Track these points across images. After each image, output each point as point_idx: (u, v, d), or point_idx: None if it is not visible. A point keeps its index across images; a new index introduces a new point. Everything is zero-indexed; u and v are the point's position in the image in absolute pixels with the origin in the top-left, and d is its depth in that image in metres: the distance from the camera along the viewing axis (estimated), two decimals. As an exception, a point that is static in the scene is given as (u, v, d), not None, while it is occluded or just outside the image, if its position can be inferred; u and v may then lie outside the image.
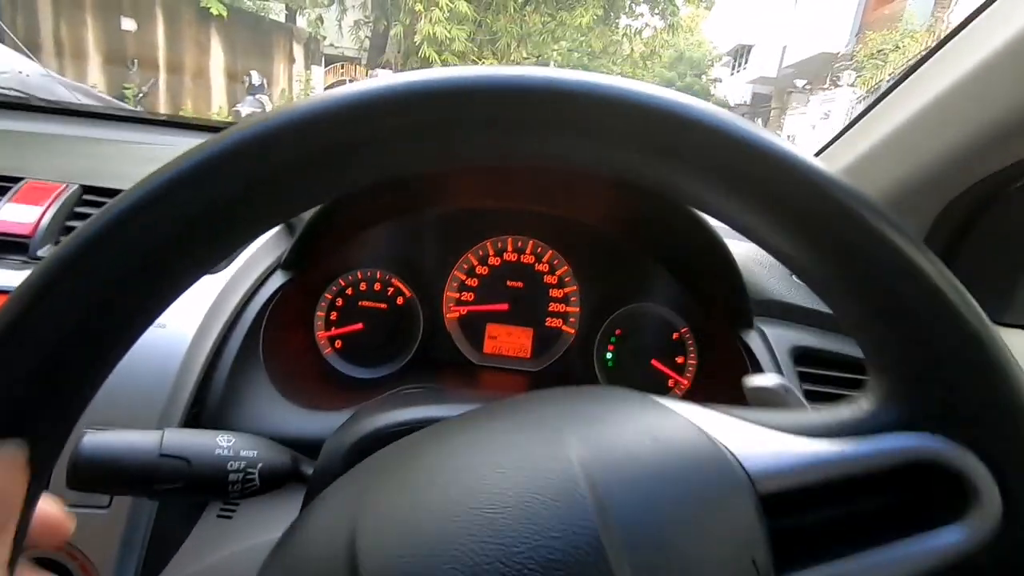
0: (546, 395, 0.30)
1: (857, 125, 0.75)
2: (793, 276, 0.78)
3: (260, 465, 0.42)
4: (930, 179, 0.65)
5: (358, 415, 0.47)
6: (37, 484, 0.20)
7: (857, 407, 0.27)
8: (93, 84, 5.76)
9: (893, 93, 0.68)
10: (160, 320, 0.54)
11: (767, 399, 0.33)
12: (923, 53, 0.66)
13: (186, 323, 0.58)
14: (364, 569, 0.21)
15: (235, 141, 0.22)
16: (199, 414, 0.58)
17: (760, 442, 0.25)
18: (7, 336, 0.19)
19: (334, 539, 0.23)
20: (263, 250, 0.69)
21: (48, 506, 0.24)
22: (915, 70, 0.65)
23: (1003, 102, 0.55)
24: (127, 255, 0.20)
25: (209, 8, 7.83)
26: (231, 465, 0.41)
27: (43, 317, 0.19)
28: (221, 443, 0.41)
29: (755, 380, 0.35)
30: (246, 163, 0.22)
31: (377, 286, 0.82)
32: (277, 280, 0.68)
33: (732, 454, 0.24)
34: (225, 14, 7.99)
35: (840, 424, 0.26)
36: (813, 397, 0.65)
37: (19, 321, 0.19)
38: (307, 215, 0.66)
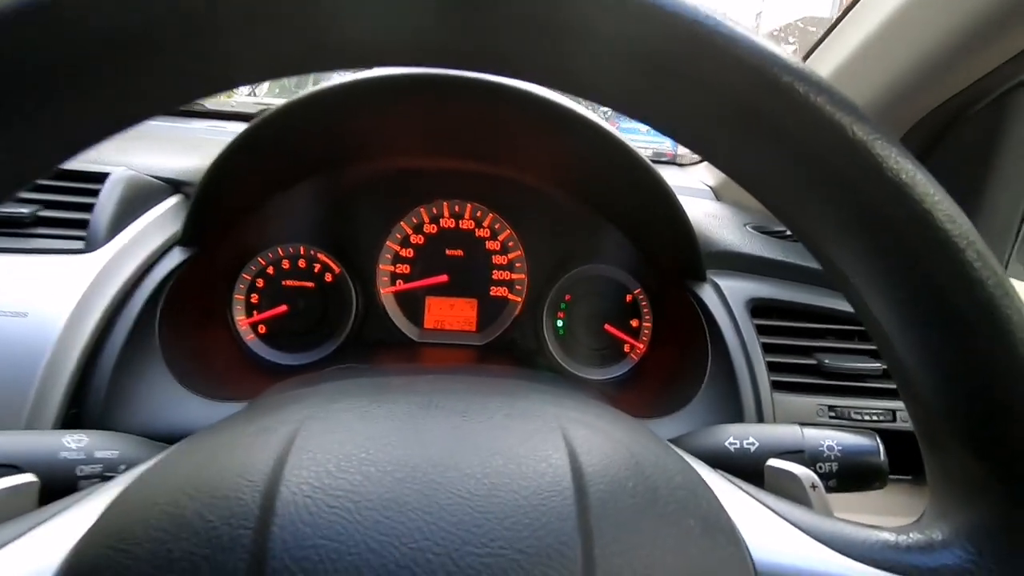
0: (563, 398, 0.28)
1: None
2: (748, 227, 0.74)
3: (122, 468, 0.35)
4: (882, 111, 0.61)
5: (271, 390, 0.41)
6: None
7: (896, 536, 0.23)
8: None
9: (845, 20, 0.63)
10: (19, 307, 0.44)
11: (787, 486, 0.32)
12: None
13: (54, 310, 0.49)
14: (277, 523, 0.18)
15: None
16: (79, 415, 0.50)
17: (778, 539, 0.23)
18: None
19: (250, 477, 0.20)
20: (155, 224, 0.60)
21: None
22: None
23: (946, 23, 0.51)
24: None
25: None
26: (81, 470, 0.33)
27: None
28: (68, 444, 0.34)
29: (779, 463, 0.34)
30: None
31: (302, 263, 0.74)
32: (175, 258, 0.60)
33: (743, 539, 0.23)
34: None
35: (873, 547, 0.23)
36: (772, 350, 0.61)
37: None
38: (200, 179, 0.58)
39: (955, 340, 0.20)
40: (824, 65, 0.64)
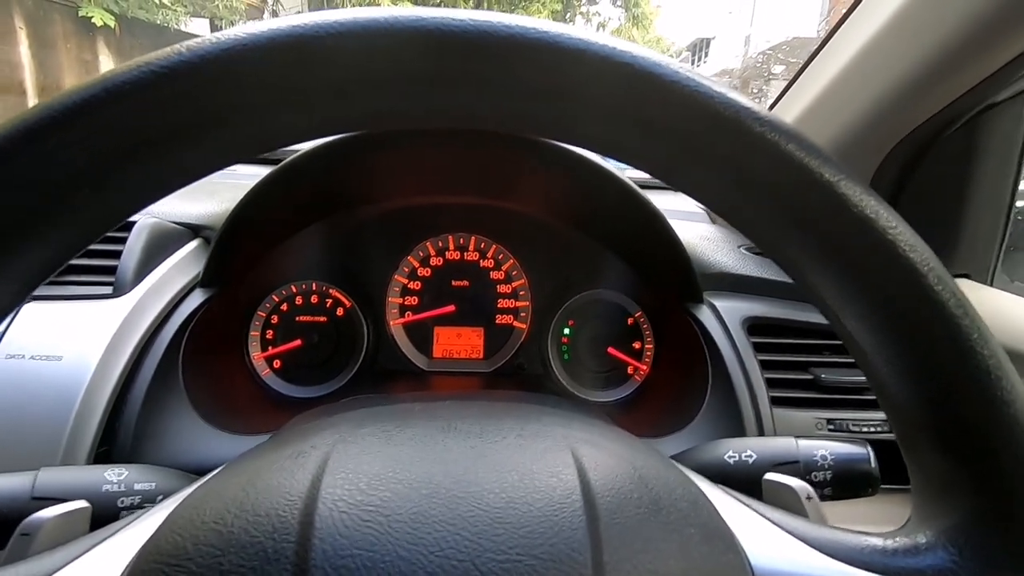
0: (570, 420, 0.30)
1: (790, 91, 0.74)
2: (742, 249, 0.77)
3: (160, 499, 0.37)
4: (862, 136, 0.64)
5: (296, 419, 0.43)
6: None
7: (884, 541, 0.25)
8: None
9: (823, 52, 0.67)
10: (54, 351, 0.48)
11: (784, 498, 0.34)
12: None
13: (85, 353, 0.52)
14: (317, 536, 0.20)
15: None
16: (110, 452, 0.52)
17: (775, 546, 0.25)
18: None
19: (290, 495, 0.21)
20: (177, 268, 0.63)
21: None
22: (839, 27, 0.65)
23: (918, 51, 0.54)
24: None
25: (91, 18, 6.49)
26: (122, 501, 0.36)
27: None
28: (110, 477, 0.36)
29: (776, 477, 0.35)
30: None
31: (314, 299, 0.77)
32: (196, 299, 0.63)
33: (743, 549, 0.24)
34: (113, 24, 6.73)
35: (863, 552, 0.25)
36: (770, 367, 0.64)
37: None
38: (220, 224, 0.61)
39: (922, 356, 0.22)
40: (798, 102, 0.68)
